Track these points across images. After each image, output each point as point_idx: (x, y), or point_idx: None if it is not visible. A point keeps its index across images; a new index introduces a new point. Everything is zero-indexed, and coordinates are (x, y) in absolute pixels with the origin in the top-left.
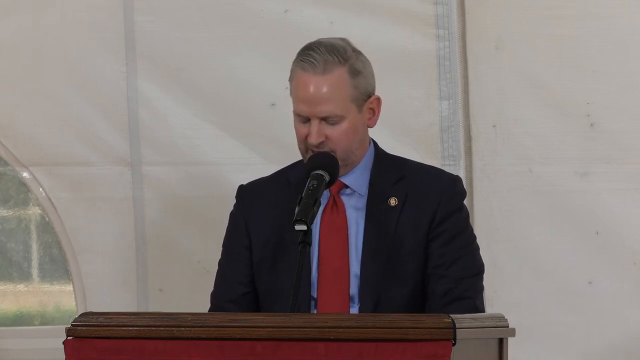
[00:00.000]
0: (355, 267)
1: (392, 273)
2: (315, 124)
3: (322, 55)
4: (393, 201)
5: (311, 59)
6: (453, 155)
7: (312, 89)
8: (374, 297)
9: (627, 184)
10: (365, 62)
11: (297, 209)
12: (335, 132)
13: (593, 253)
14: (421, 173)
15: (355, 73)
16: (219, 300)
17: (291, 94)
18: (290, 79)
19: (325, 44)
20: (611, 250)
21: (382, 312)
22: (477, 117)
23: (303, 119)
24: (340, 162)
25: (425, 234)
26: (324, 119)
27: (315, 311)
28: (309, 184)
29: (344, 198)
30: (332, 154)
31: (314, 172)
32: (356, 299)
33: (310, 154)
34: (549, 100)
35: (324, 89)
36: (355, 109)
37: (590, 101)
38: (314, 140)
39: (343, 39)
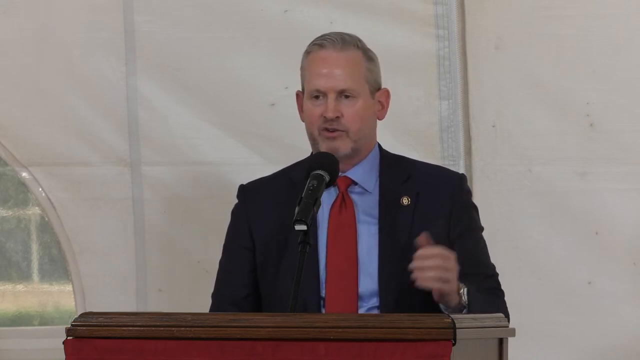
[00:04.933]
0: (369, 267)
1: (410, 272)
2: (332, 98)
3: (339, 35)
4: (405, 200)
5: (329, 38)
6: (453, 155)
7: (331, 62)
8: (395, 294)
9: (627, 184)
10: (375, 56)
11: (297, 209)
12: (350, 109)
13: (592, 253)
14: (427, 171)
15: (369, 58)
16: (219, 302)
17: (304, 79)
18: (303, 65)
19: (338, 32)
20: (611, 250)
21: (403, 309)
22: (476, 117)
23: (317, 97)
24: (352, 144)
25: (445, 232)
26: (341, 94)
27: (323, 311)
28: (309, 183)
29: (353, 196)
30: (344, 132)
31: (314, 172)
32: (369, 299)
33: (322, 135)
34: (549, 100)
35: (343, 63)
36: (368, 93)
37: (590, 101)
38: (331, 113)
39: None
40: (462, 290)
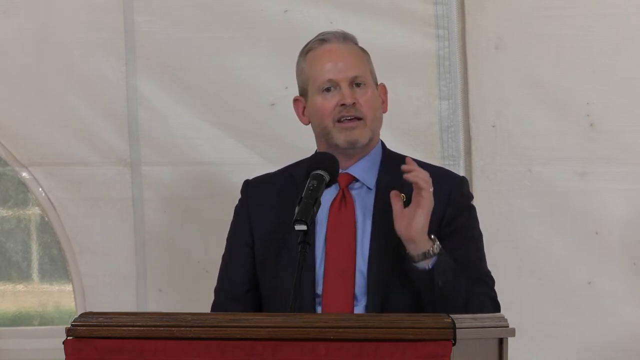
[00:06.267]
0: (361, 265)
1: (400, 271)
2: (345, 86)
3: (339, 31)
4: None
5: (330, 33)
6: (453, 155)
7: (338, 54)
8: (381, 296)
9: (627, 184)
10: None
11: (297, 209)
12: (364, 97)
13: (592, 253)
14: (428, 171)
15: (366, 53)
16: (221, 297)
17: (307, 79)
18: (304, 66)
19: (335, 29)
20: (611, 250)
21: (389, 310)
22: (476, 117)
23: (329, 89)
24: (369, 134)
25: (435, 232)
26: (352, 82)
27: (319, 308)
28: (309, 183)
29: (353, 193)
30: (362, 121)
31: (314, 172)
32: (361, 298)
33: (337, 127)
34: (549, 100)
35: (348, 54)
36: (373, 84)
37: (590, 101)
38: (349, 99)
39: None
40: (433, 237)
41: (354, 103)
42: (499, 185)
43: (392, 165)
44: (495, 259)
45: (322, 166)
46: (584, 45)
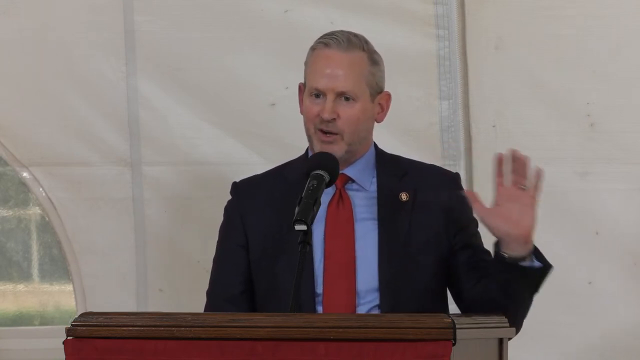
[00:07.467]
0: (367, 264)
1: (409, 266)
2: (330, 99)
3: (346, 35)
4: (404, 196)
5: (335, 37)
6: (453, 155)
7: (334, 62)
8: (395, 293)
9: (627, 184)
10: (380, 59)
11: (297, 209)
12: (347, 111)
13: (593, 253)
14: (423, 169)
15: (373, 62)
16: (215, 300)
17: (306, 75)
18: (307, 61)
19: (346, 31)
20: (611, 250)
21: (403, 304)
22: (477, 117)
23: (317, 95)
24: (345, 147)
25: (444, 227)
26: (340, 95)
27: (320, 307)
28: (309, 183)
29: (350, 193)
30: (338, 136)
31: (314, 172)
32: (365, 295)
33: (317, 136)
34: (549, 100)
35: (346, 65)
36: (368, 96)
37: (590, 101)
38: (327, 114)
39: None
40: None
41: (333, 119)
42: None
43: (386, 165)
44: None
45: (322, 166)
46: (584, 45)
